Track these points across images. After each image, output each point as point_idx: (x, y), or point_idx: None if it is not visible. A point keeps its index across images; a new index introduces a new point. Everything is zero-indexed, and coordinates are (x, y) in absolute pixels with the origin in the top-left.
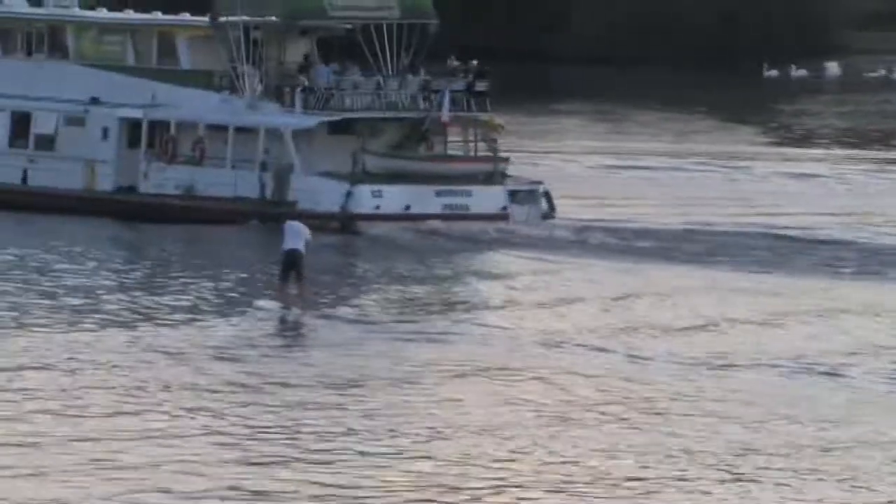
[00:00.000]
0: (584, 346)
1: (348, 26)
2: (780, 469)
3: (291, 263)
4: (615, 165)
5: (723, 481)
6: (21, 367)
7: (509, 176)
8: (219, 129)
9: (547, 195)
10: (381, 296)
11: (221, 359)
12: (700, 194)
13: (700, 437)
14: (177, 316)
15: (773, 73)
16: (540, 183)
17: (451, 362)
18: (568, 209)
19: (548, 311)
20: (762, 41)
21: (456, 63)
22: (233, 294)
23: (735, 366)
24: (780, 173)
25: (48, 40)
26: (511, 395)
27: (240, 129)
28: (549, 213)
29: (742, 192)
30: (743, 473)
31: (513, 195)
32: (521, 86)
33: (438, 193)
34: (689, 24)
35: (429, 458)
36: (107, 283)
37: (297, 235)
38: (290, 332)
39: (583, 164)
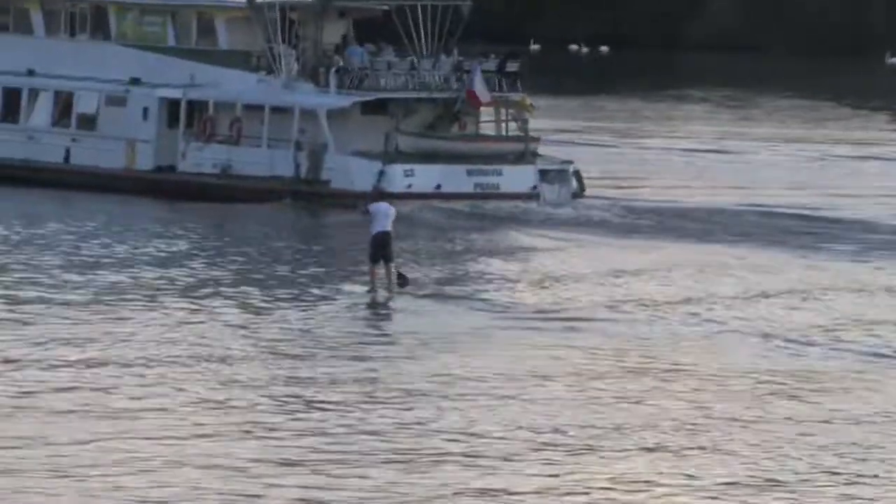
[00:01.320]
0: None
1: (385, 7)
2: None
3: (382, 245)
4: (735, 151)
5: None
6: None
7: (540, 155)
8: (255, 108)
9: (577, 174)
10: (452, 272)
11: (331, 350)
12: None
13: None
14: (274, 303)
15: None
16: (570, 162)
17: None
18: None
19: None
20: (887, 28)
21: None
22: (321, 277)
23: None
24: None
25: (91, 21)
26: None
27: (275, 109)
28: (580, 192)
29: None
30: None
31: (543, 174)
32: (650, 71)
33: (469, 173)
34: (813, 12)
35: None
36: (193, 267)
37: (385, 217)
38: (393, 315)
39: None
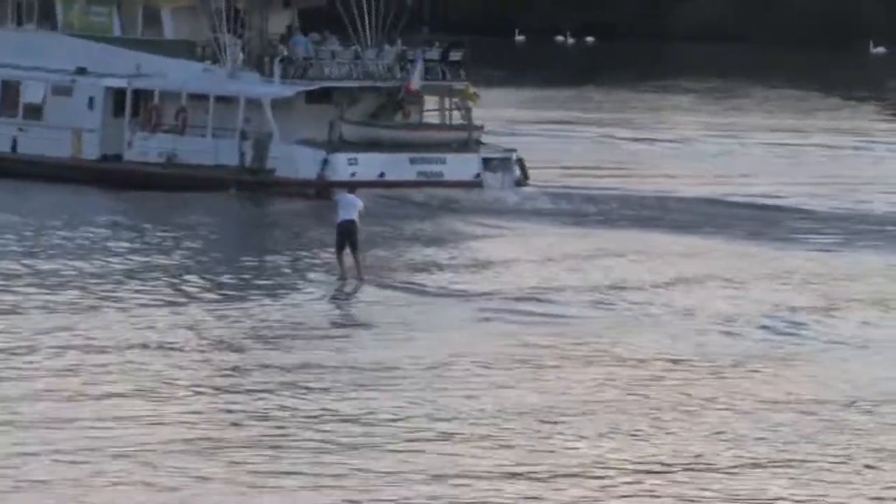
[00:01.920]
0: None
1: None
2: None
3: (347, 234)
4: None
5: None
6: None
7: (483, 144)
8: (200, 98)
9: (520, 162)
10: (405, 259)
11: (303, 337)
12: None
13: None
14: (236, 293)
15: (881, 50)
16: (513, 150)
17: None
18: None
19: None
20: (872, 19)
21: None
22: (285, 268)
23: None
24: None
25: (37, 11)
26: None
27: (220, 99)
28: (523, 180)
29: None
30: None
31: (486, 163)
32: (636, 62)
33: (413, 161)
34: (800, 2)
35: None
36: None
37: (351, 206)
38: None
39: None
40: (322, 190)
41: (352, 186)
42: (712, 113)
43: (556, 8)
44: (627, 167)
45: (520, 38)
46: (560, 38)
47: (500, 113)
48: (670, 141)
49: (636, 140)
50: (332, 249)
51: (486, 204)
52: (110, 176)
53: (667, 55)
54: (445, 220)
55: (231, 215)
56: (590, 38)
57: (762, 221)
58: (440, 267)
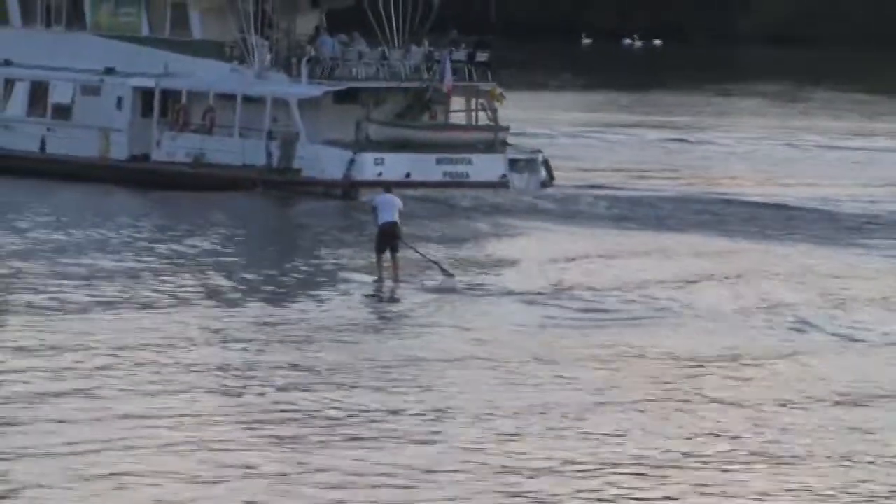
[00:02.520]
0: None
1: None
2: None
3: (389, 236)
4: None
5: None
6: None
7: (509, 144)
8: (228, 98)
9: (546, 163)
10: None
11: (339, 340)
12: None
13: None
14: (278, 292)
15: None
16: (539, 151)
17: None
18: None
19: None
20: None
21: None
22: (325, 269)
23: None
24: None
25: (66, 11)
26: None
27: (248, 99)
28: (548, 181)
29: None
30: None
31: (512, 163)
32: (704, 65)
33: (439, 161)
34: (867, 3)
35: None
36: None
37: (391, 207)
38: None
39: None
40: (348, 190)
41: (387, 186)
42: (779, 116)
43: (624, 11)
44: (692, 169)
45: (586, 41)
46: (627, 40)
47: (564, 116)
48: (736, 143)
49: (699, 143)
50: (368, 252)
51: (521, 204)
52: (138, 176)
53: (735, 58)
54: (473, 220)
55: (259, 215)
56: (657, 41)
57: (826, 224)
58: (478, 265)
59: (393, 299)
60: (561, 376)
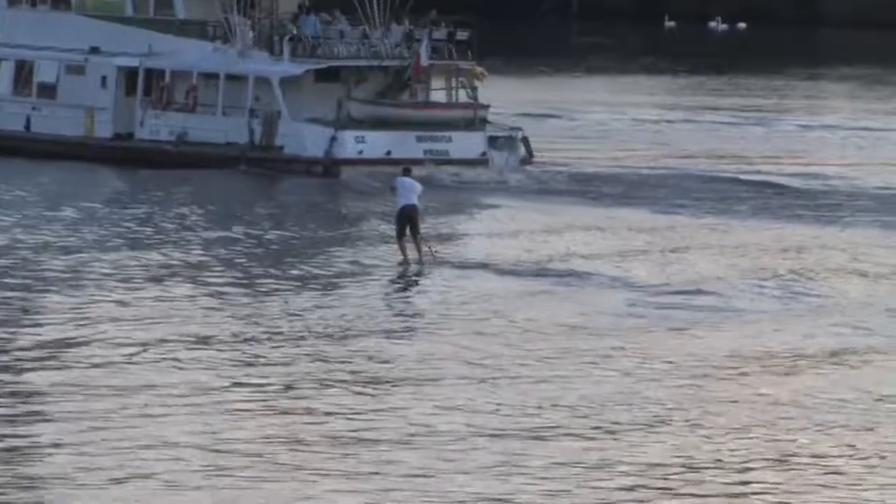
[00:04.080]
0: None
1: None
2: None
3: (409, 219)
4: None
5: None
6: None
7: (489, 122)
8: (211, 77)
9: (525, 141)
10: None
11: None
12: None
13: None
14: (305, 281)
15: None
16: (519, 129)
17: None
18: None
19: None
20: None
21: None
22: (346, 254)
23: None
24: None
25: None
26: None
27: (230, 77)
28: (528, 158)
29: None
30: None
31: (492, 141)
32: (788, 48)
33: (419, 139)
34: None
35: None
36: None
37: (411, 191)
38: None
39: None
40: (330, 167)
41: (406, 168)
42: (864, 100)
43: None
44: (779, 152)
45: (670, 23)
46: (712, 23)
47: (646, 98)
48: (819, 127)
49: (786, 127)
50: (357, 227)
51: (489, 182)
52: (122, 154)
53: (819, 41)
54: (452, 197)
55: (243, 192)
56: (742, 24)
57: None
58: (454, 239)
59: (420, 284)
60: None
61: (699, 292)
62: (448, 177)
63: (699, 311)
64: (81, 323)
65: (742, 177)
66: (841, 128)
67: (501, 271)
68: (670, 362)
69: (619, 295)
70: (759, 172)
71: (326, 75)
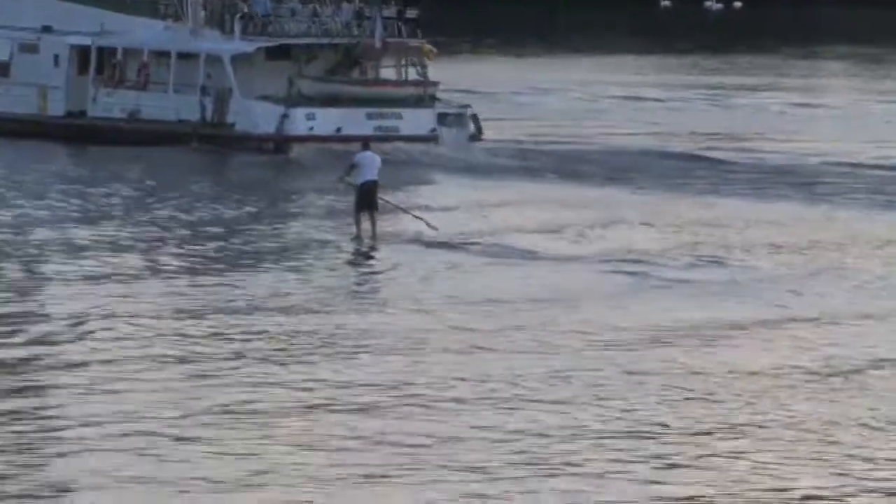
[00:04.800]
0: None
1: None
2: None
3: (369, 194)
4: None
5: None
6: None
7: (438, 99)
8: (162, 55)
9: (475, 118)
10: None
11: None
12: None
13: None
14: (258, 257)
15: None
16: (468, 106)
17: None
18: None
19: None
20: None
21: None
22: (299, 229)
23: None
24: None
25: None
26: None
27: (182, 55)
28: (477, 135)
29: None
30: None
31: (441, 118)
32: (785, 27)
33: (369, 116)
34: None
35: None
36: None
37: (373, 165)
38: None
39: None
40: (280, 144)
41: (366, 142)
42: (862, 78)
43: None
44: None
45: (665, 3)
46: (707, 2)
47: (630, 78)
48: (813, 106)
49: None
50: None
51: (448, 157)
52: (75, 132)
53: (815, 20)
54: (401, 173)
55: (196, 169)
56: (738, 3)
57: (731, 176)
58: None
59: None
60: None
61: (624, 264)
62: (398, 153)
63: (623, 284)
64: (26, 299)
65: (704, 154)
66: (830, 106)
67: (452, 246)
68: (586, 332)
69: (542, 268)
70: (720, 150)
71: (277, 53)
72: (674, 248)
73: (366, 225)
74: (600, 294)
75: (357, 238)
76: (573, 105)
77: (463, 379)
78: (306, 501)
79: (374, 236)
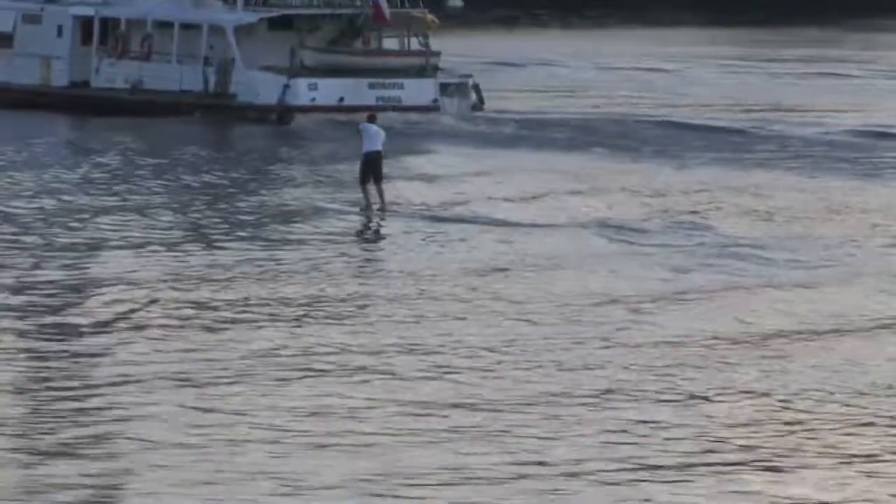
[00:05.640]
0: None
1: None
2: None
3: (374, 165)
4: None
5: None
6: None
7: (441, 69)
8: (166, 25)
9: (476, 88)
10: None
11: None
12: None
13: None
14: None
15: None
16: (470, 76)
17: None
18: None
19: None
20: None
21: None
22: (304, 198)
23: None
24: None
25: None
26: None
27: (185, 26)
28: (479, 105)
29: None
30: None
31: (443, 88)
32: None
33: (372, 86)
34: None
35: None
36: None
37: (376, 136)
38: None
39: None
40: (283, 114)
41: (372, 114)
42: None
43: None
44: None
45: None
46: None
47: (701, 49)
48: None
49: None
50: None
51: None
52: (78, 102)
53: None
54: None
55: (199, 139)
56: None
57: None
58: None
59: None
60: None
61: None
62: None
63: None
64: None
65: (709, 124)
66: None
67: (432, 216)
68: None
69: (510, 235)
70: (722, 119)
71: (280, 24)
72: (649, 215)
73: (373, 193)
74: (543, 260)
75: (367, 208)
76: (598, 77)
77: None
78: None
79: (382, 207)
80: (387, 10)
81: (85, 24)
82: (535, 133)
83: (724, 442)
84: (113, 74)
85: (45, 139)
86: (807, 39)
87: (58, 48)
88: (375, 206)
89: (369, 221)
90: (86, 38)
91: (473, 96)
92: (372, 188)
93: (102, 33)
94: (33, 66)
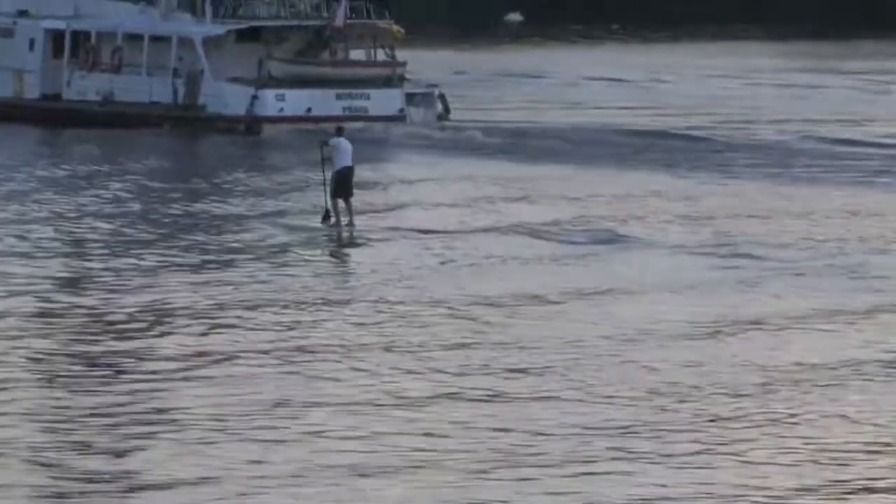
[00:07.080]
0: None
1: None
2: None
3: (346, 180)
4: None
5: None
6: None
7: (407, 80)
8: (135, 38)
9: (442, 97)
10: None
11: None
12: None
13: None
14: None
15: None
16: (436, 86)
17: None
18: None
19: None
20: None
21: None
22: (274, 212)
23: None
24: None
25: None
26: None
27: (154, 38)
28: (444, 114)
29: None
30: None
31: (410, 98)
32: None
33: (339, 96)
34: None
35: None
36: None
37: (347, 152)
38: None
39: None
40: (251, 125)
41: (339, 129)
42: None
43: None
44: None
45: None
46: None
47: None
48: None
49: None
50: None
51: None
52: (50, 114)
53: None
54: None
55: (168, 150)
56: None
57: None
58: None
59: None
60: None
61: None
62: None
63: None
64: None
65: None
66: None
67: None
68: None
69: (428, 242)
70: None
71: (248, 35)
72: (570, 220)
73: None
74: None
75: (336, 224)
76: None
77: None
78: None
79: (350, 222)
80: (341, 18)
81: (56, 37)
82: (496, 142)
83: None
84: (84, 87)
85: (14, 150)
86: (866, 53)
87: (30, 61)
88: (344, 222)
89: (339, 236)
90: (57, 51)
91: (439, 106)
92: (341, 203)
93: (73, 46)
94: (6, 80)
